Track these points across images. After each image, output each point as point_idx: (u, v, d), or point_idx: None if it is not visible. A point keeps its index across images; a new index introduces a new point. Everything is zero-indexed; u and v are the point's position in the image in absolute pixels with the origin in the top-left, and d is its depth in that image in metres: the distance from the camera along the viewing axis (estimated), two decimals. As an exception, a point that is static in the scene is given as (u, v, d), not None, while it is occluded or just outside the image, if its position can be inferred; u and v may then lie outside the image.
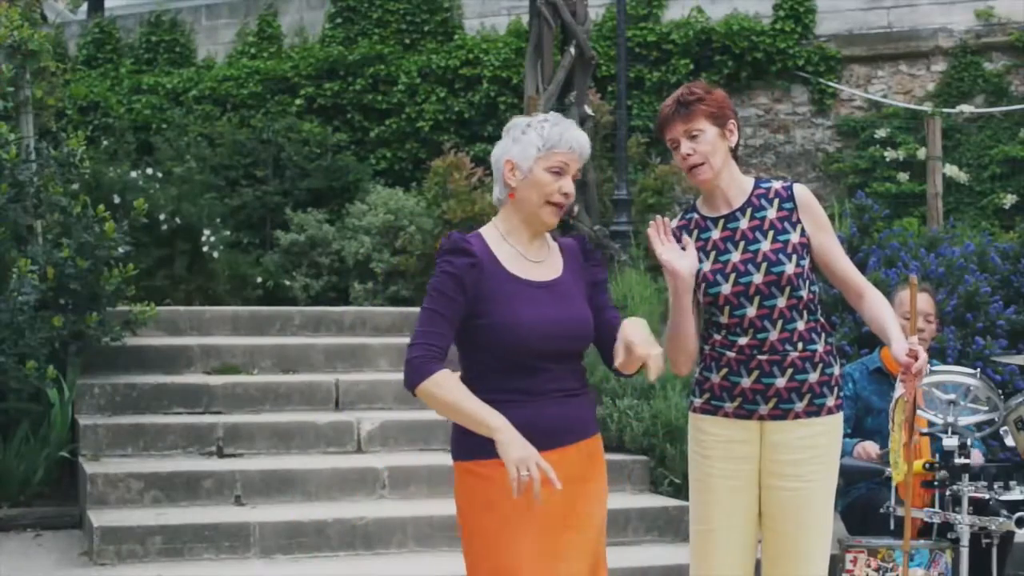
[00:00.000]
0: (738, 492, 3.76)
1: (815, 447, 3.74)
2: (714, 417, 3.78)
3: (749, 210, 3.77)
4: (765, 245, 3.72)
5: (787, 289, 3.69)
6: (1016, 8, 12.18)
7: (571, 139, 3.48)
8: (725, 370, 3.74)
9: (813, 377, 3.72)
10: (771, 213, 3.76)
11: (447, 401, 3.31)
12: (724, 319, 3.74)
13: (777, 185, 3.81)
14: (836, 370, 3.79)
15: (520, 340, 3.38)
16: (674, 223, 3.84)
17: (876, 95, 12.46)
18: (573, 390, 3.49)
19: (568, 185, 3.47)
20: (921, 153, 11.32)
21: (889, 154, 12.07)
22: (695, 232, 3.80)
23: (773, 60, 12.59)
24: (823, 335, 3.77)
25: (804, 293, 3.72)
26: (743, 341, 3.70)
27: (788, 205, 3.77)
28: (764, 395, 3.71)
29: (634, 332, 3.29)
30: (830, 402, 3.76)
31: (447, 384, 3.31)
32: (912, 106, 12.19)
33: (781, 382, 3.70)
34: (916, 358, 3.58)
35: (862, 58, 12.58)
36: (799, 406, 3.72)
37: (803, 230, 3.75)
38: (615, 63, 11.68)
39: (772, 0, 12.74)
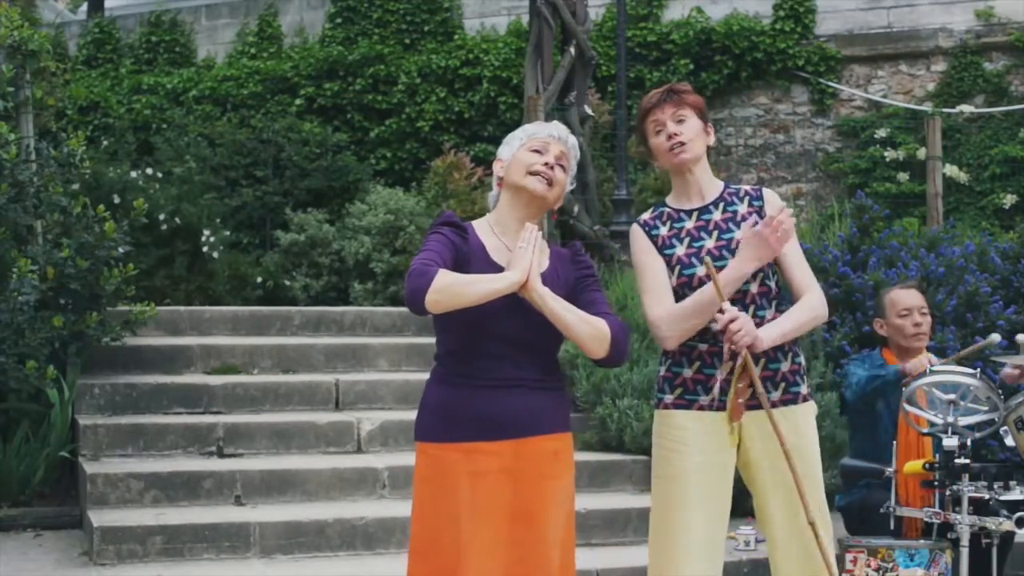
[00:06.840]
0: (714, 485, 3.78)
1: (796, 434, 3.78)
2: (688, 411, 3.80)
3: (722, 204, 3.92)
4: (738, 234, 3.84)
5: (759, 276, 3.81)
6: (1016, 8, 12.17)
7: (549, 129, 3.68)
8: (698, 363, 3.79)
9: (785, 366, 3.82)
10: (742, 208, 3.91)
11: (458, 283, 3.34)
12: None
13: (747, 187, 4.01)
14: (803, 359, 3.90)
15: (482, 325, 3.43)
16: (645, 216, 3.95)
17: (876, 95, 12.46)
18: (538, 382, 3.51)
19: (549, 159, 3.61)
20: (921, 153, 11.31)
21: (889, 154, 12.06)
22: (668, 223, 3.91)
23: (773, 60, 12.58)
24: None
25: (772, 284, 3.85)
26: (716, 327, 3.73)
27: (757, 202, 3.93)
28: None
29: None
30: (803, 390, 3.87)
31: (451, 275, 3.36)
32: (912, 106, 12.19)
33: (755, 371, 3.74)
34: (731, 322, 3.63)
35: (862, 58, 12.58)
36: (775, 395, 3.80)
37: None
38: (615, 63, 11.68)
39: (772, 0, 12.74)
